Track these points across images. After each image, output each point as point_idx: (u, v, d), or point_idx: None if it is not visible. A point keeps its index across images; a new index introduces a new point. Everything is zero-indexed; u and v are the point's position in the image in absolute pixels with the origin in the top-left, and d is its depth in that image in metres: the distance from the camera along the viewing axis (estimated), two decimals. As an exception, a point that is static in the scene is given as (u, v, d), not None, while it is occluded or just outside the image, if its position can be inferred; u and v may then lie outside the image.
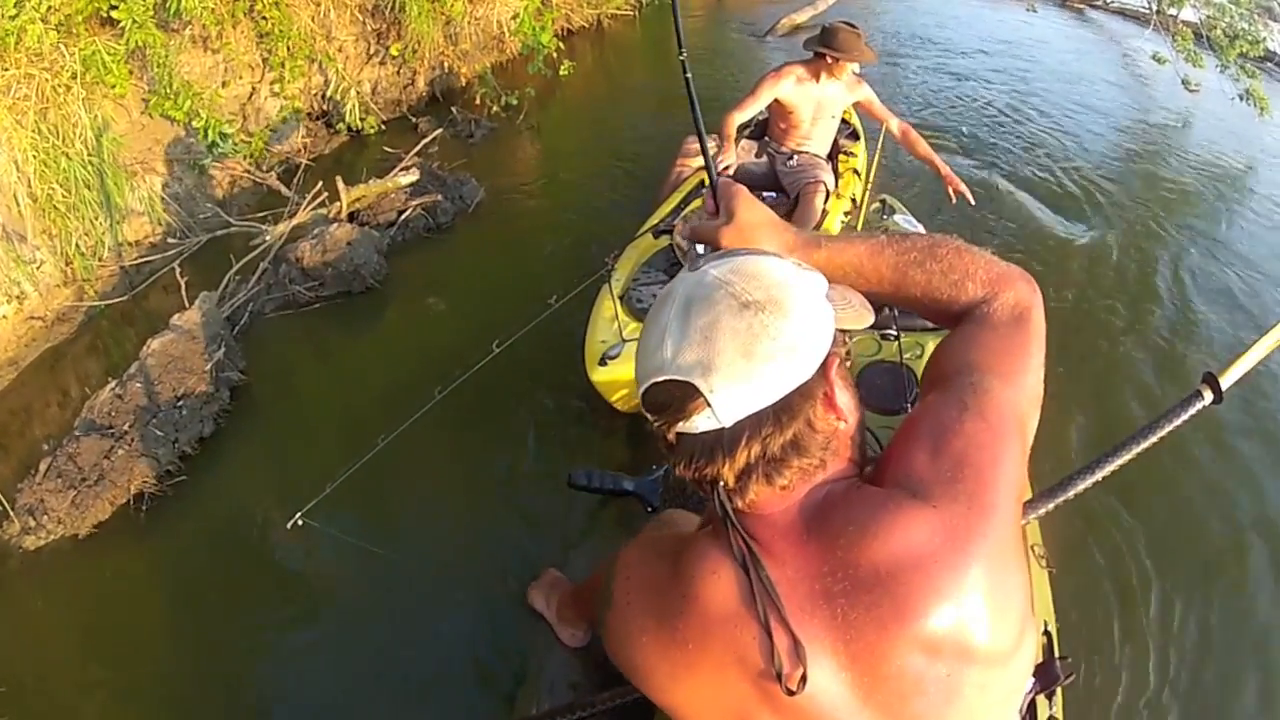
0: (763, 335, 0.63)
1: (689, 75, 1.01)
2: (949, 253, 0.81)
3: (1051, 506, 1.05)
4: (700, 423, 0.65)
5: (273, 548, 2.21)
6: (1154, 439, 1.04)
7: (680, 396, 0.65)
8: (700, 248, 1.29)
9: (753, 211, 0.84)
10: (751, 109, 3.22)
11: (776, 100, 3.23)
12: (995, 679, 0.65)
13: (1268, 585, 2.20)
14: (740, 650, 0.66)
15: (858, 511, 0.66)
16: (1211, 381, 1.05)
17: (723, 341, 0.63)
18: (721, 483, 0.67)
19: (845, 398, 0.69)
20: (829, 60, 3.08)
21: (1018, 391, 0.73)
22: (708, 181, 0.94)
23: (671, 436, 0.68)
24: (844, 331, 0.72)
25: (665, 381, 0.66)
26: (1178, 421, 1.04)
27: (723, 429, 0.65)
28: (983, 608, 0.63)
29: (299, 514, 1.78)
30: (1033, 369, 0.75)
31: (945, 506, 0.64)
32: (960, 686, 0.63)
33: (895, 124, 3.35)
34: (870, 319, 0.76)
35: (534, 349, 2.73)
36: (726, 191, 0.87)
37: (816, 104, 3.26)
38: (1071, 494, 1.04)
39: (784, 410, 0.65)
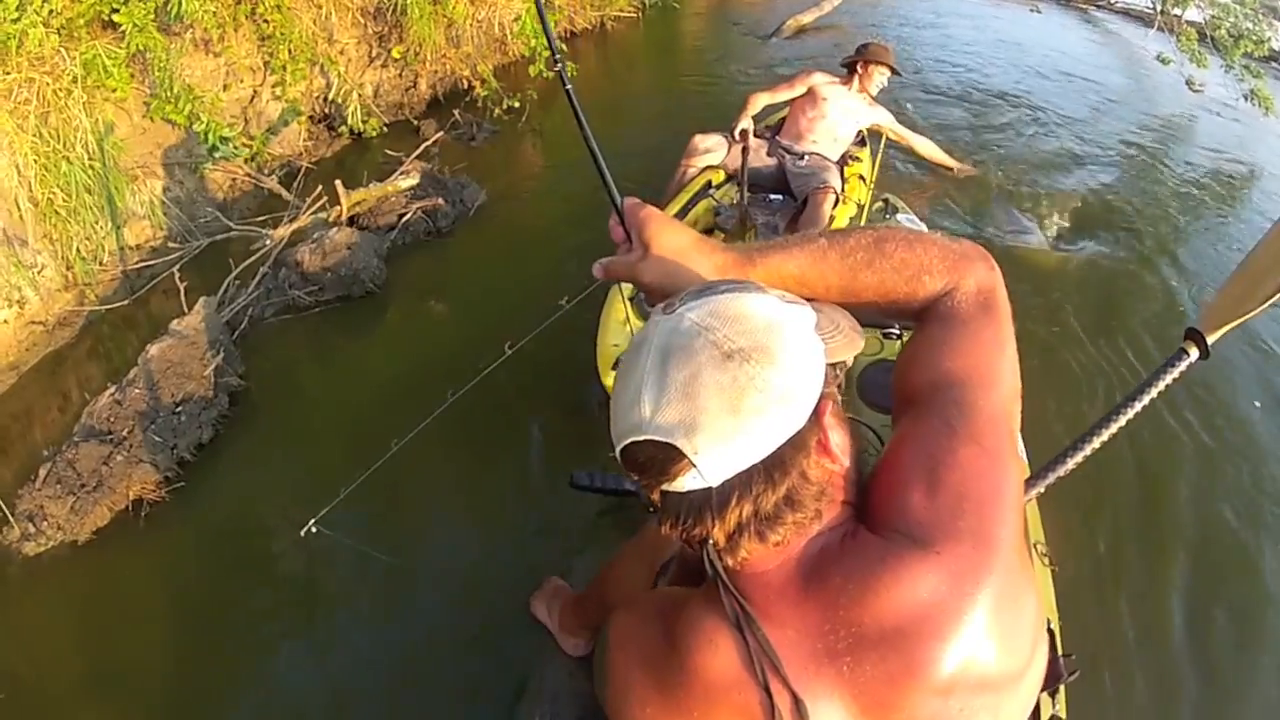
0: (749, 388, 0.58)
1: (570, 88, 0.93)
2: (898, 247, 0.74)
3: (1051, 480, 1.04)
4: (686, 483, 0.61)
5: (272, 554, 2.20)
6: (1143, 402, 1.01)
7: (662, 459, 0.60)
8: None
9: (670, 236, 0.74)
10: (784, 95, 3.48)
11: (810, 89, 3.44)
12: (1008, 701, 0.64)
13: (1273, 579, 2.18)
14: (747, 714, 0.64)
15: (856, 566, 0.63)
16: (1196, 337, 1.01)
17: (706, 398, 0.58)
18: (711, 542, 0.64)
19: (839, 437, 0.65)
20: (862, 69, 3.38)
21: (1001, 395, 0.69)
22: (613, 206, 0.80)
23: (655, 496, 0.64)
24: (834, 365, 0.68)
25: (645, 441, 0.61)
26: (1165, 381, 1.01)
27: (710, 489, 0.61)
28: (994, 641, 0.61)
29: (312, 521, 1.75)
30: (1008, 361, 0.72)
31: (949, 549, 0.61)
32: (974, 716, 0.62)
33: (920, 142, 3.50)
34: (862, 343, 0.72)
35: (539, 352, 2.72)
36: (635, 216, 0.76)
37: (841, 106, 3.44)
38: (1070, 466, 1.03)
39: (776, 465, 0.61)
